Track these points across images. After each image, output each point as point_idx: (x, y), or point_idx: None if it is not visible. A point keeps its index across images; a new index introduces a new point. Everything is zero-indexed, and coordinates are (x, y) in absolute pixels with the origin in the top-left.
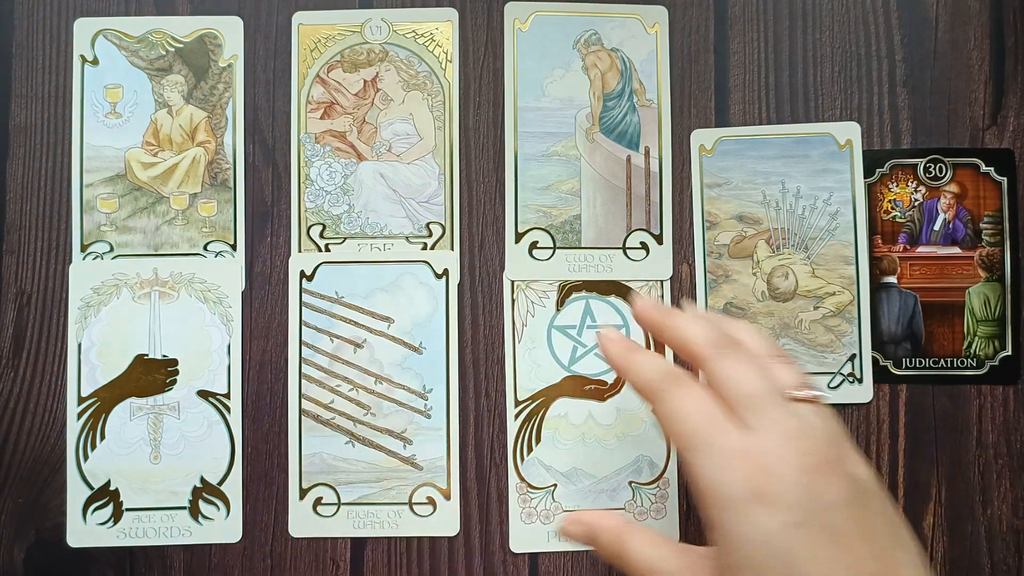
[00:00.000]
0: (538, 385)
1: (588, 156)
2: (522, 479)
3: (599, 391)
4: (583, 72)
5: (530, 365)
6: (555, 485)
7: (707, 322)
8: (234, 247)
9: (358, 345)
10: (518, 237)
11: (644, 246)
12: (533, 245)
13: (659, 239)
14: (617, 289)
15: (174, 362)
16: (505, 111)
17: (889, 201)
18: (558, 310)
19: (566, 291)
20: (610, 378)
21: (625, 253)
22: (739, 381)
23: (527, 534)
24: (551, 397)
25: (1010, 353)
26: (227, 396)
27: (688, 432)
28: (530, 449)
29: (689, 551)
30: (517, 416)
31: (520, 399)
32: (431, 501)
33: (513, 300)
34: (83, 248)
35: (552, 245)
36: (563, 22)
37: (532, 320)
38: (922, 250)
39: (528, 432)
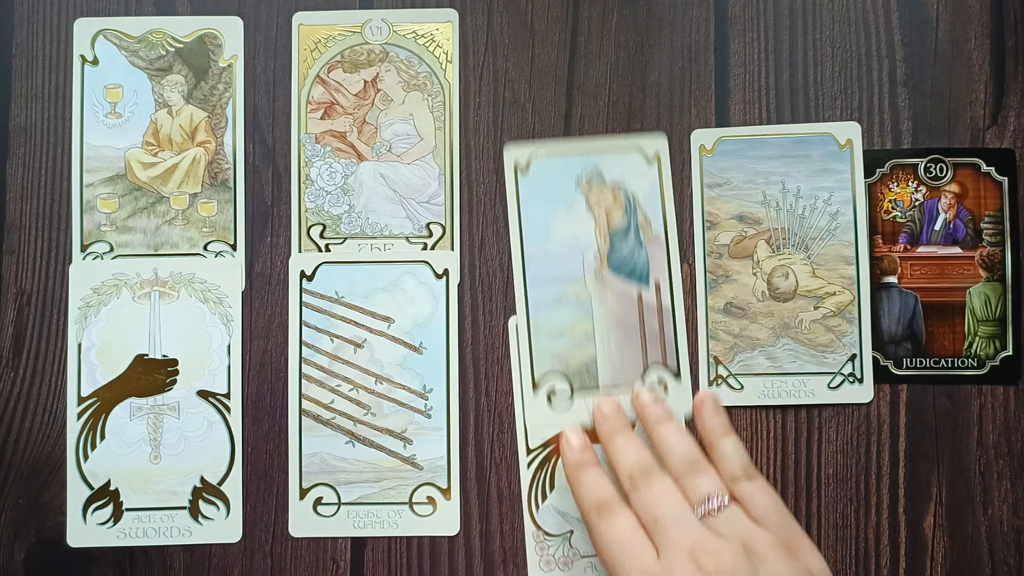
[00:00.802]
0: (549, 432)
1: (599, 296)
2: (538, 527)
3: None
4: (587, 211)
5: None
6: (572, 532)
7: (634, 450)
8: (234, 247)
9: (358, 345)
10: (535, 385)
11: (662, 382)
12: (551, 393)
13: (676, 374)
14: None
15: (174, 362)
16: (512, 258)
17: (889, 201)
18: None
19: None
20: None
21: None
22: (651, 509)
23: None
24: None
25: (1011, 353)
26: (227, 396)
27: (610, 559)
28: (544, 496)
29: None
30: (530, 464)
31: (532, 447)
32: (431, 501)
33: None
34: (83, 248)
35: (570, 391)
36: (563, 161)
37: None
38: (923, 250)
39: (541, 479)
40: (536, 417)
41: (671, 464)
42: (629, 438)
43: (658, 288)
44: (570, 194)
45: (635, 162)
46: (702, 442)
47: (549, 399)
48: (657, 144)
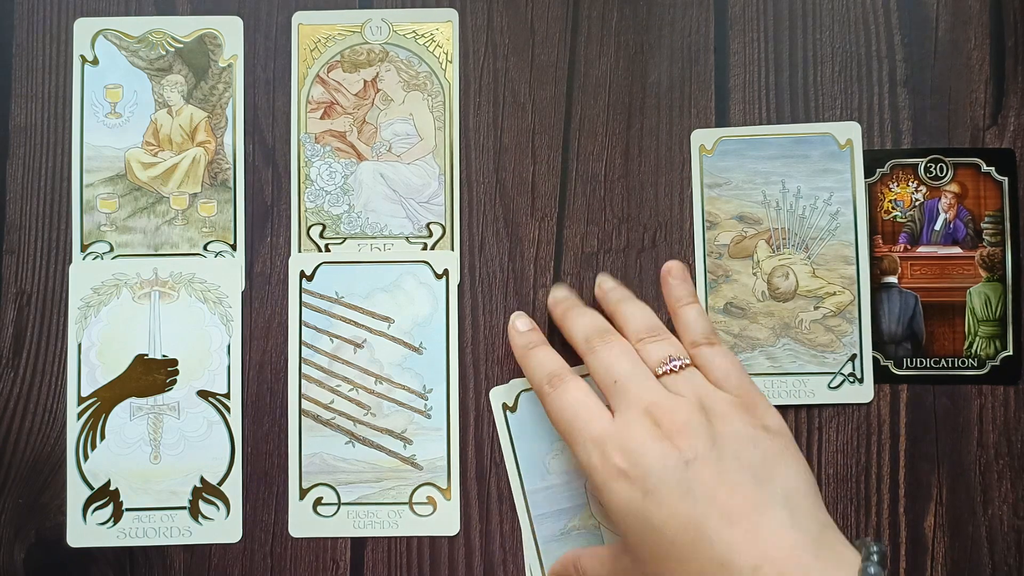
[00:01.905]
0: None
1: (607, 522)
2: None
3: None
4: None
5: None
6: None
7: (590, 316)
8: (234, 247)
9: (358, 345)
10: None
11: None
12: None
13: None
14: None
15: (174, 362)
16: (515, 497)
17: (890, 201)
18: None
19: None
20: None
21: None
22: (608, 369)
23: None
24: None
25: (1011, 353)
26: (227, 396)
27: (565, 427)
28: None
29: (618, 542)
30: None
31: None
32: (431, 501)
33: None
34: (83, 248)
35: None
36: None
37: None
38: (923, 250)
39: None
40: None
41: (630, 331)
42: (584, 310)
43: None
44: None
45: None
46: (668, 312)
47: None
48: None
